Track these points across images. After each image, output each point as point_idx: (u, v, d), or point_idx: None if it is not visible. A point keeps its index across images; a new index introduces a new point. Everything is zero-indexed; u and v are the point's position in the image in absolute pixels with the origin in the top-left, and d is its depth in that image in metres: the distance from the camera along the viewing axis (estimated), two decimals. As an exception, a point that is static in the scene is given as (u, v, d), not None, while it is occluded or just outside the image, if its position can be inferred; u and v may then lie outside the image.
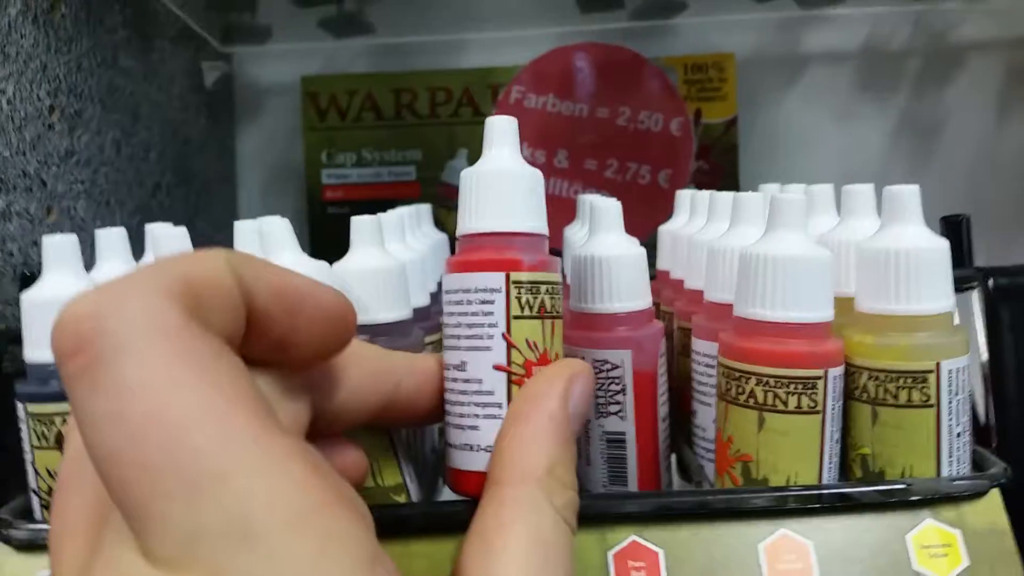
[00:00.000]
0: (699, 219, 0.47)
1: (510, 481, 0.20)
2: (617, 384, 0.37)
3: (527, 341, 0.29)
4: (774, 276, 0.33)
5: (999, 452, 0.36)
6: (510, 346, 0.28)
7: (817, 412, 0.33)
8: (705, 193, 0.47)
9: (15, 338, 0.36)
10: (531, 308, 0.29)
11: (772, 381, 0.33)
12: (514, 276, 0.29)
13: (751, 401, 0.33)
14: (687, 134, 0.74)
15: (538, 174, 0.30)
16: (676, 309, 0.44)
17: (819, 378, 0.33)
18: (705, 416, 0.40)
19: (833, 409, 0.33)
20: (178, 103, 0.70)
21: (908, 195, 0.34)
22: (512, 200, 0.29)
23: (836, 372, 0.33)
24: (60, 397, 0.33)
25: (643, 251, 0.38)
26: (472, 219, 0.29)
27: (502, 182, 0.30)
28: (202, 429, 0.15)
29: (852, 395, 0.34)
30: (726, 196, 0.42)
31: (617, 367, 0.37)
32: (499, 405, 0.27)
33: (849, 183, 0.44)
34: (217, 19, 0.75)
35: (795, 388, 0.33)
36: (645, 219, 0.73)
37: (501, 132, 0.31)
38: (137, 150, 0.62)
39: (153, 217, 0.64)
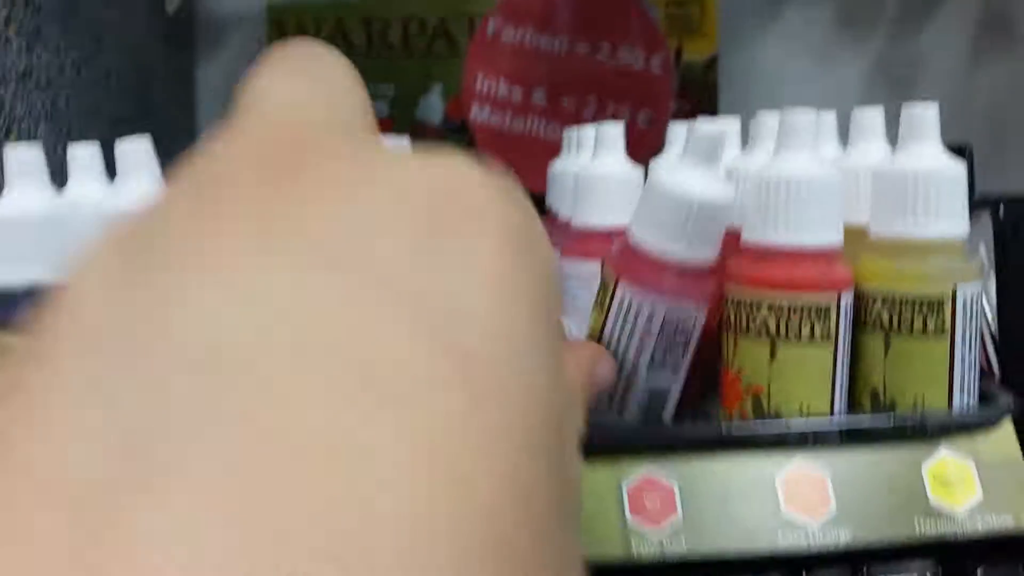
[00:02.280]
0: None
1: None
2: (681, 337, 0.32)
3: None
4: (784, 199, 0.32)
5: (1003, 385, 0.35)
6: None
7: (830, 340, 0.32)
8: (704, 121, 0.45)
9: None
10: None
11: (784, 308, 0.32)
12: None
13: (762, 331, 0.32)
14: (668, 72, 0.72)
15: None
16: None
17: (832, 303, 0.32)
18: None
19: (845, 338, 0.33)
20: (139, 30, 0.66)
21: (927, 114, 0.32)
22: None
23: (848, 298, 0.32)
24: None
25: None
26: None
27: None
28: None
29: (864, 325, 0.33)
30: (728, 124, 0.41)
31: (687, 321, 0.32)
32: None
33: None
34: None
35: (808, 315, 0.32)
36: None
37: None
38: (99, 75, 0.58)
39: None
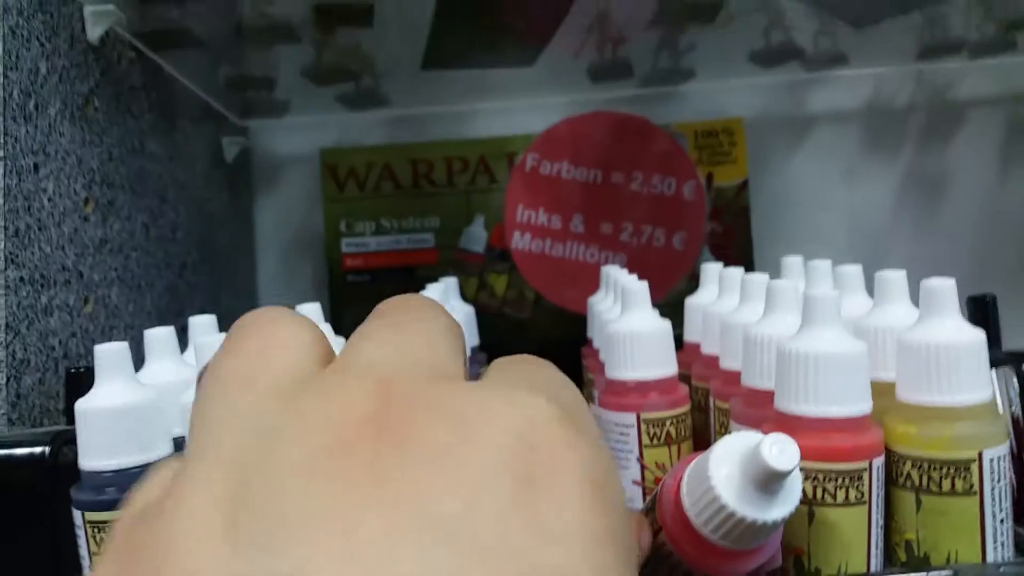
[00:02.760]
0: (729, 296, 0.48)
1: None
2: None
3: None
4: (815, 373, 0.34)
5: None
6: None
7: (864, 503, 0.34)
8: (736, 271, 0.48)
9: (69, 439, 0.37)
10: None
11: (820, 476, 0.33)
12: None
13: (800, 496, 0.34)
14: (700, 198, 0.75)
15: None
16: (713, 388, 0.44)
17: (865, 469, 0.34)
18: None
19: (878, 497, 0.34)
20: (201, 181, 0.71)
21: (945, 289, 0.35)
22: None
23: (879, 462, 0.34)
24: (117, 505, 0.34)
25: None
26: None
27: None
28: None
29: (896, 482, 0.35)
30: (759, 279, 0.43)
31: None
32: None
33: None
34: (236, 97, 0.76)
35: (843, 481, 0.33)
36: (662, 280, 0.74)
37: None
38: (165, 231, 0.63)
39: (181, 296, 0.65)
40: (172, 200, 0.64)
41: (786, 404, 0.34)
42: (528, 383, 0.17)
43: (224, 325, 0.38)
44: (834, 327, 0.34)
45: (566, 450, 0.14)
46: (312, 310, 0.43)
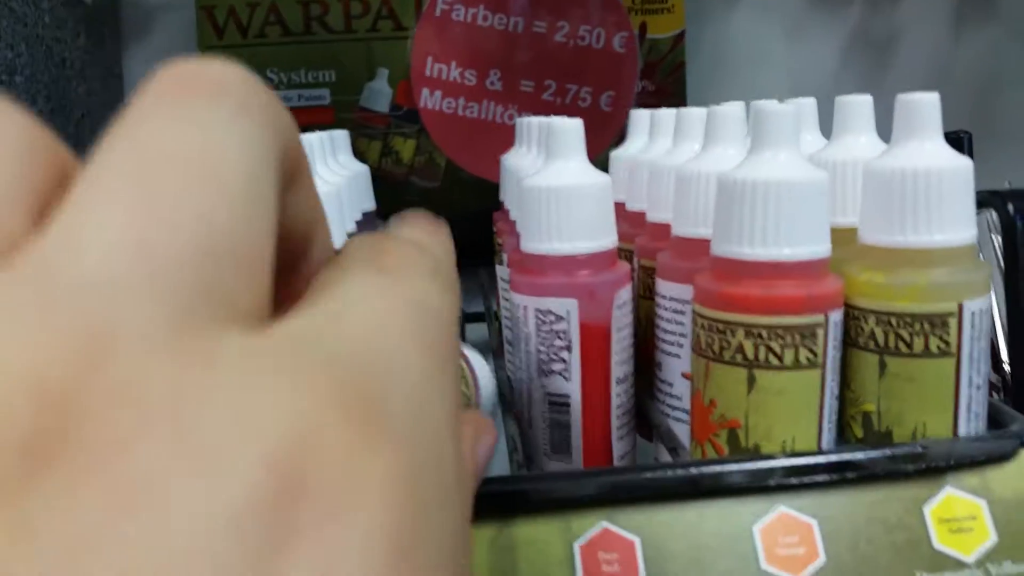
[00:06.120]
0: (661, 142, 0.41)
1: None
2: (562, 339, 0.31)
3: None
4: (763, 206, 0.27)
5: (1014, 404, 0.31)
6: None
7: (817, 366, 0.28)
8: (668, 112, 0.41)
9: None
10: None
11: (764, 332, 0.27)
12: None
13: (738, 357, 0.28)
14: (631, 51, 0.68)
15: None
16: (637, 246, 0.38)
17: (819, 325, 0.27)
18: (671, 370, 0.34)
19: (834, 360, 0.28)
20: (49, 19, 0.60)
21: (927, 104, 0.28)
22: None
23: (837, 317, 0.28)
24: None
25: (607, 180, 0.32)
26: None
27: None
28: None
29: (855, 343, 0.29)
30: (696, 112, 0.36)
31: (561, 319, 0.31)
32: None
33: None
34: (93, -80, 0.65)
35: (791, 339, 0.27)
36: (587, 145, 0.67)
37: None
38: (1, 73, 0.53)
39: (23, 150, 0.55)
40: (8, 36, 0.54)
41: (726, 246, 0.28)
42: (345, 332, 0.11)
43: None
44: (789, 151, 0.28)
45: (348, 489, 0.10)
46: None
